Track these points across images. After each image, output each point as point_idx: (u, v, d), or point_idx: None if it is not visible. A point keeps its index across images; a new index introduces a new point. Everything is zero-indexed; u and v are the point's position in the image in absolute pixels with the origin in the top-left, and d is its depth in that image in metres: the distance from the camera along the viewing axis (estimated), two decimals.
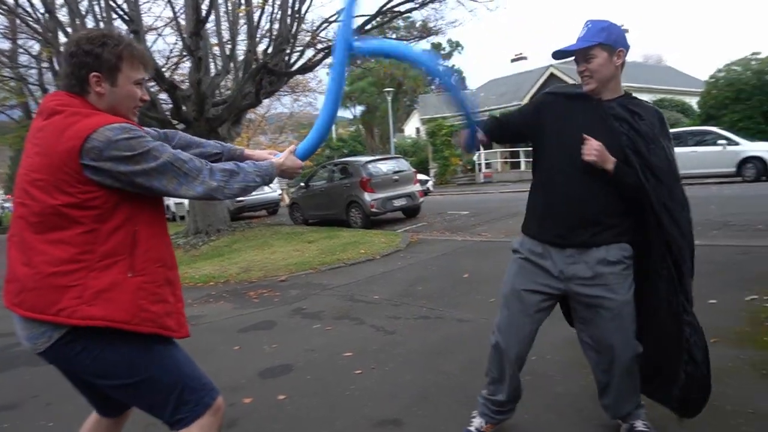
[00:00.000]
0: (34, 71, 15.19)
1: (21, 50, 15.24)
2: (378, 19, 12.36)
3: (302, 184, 13.64)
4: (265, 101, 16.71)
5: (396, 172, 11.62)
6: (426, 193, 15.68)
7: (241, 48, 12.59)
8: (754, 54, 17.64)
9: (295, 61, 12.30)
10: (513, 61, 30.74)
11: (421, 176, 15.10)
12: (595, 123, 1.96)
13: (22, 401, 3.29)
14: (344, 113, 29.52)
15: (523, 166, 21.87)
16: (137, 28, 9.74)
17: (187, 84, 11.87)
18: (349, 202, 11.31)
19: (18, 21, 12.15)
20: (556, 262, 2.03)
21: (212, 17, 10.90)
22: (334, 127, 27.96)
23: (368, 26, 12.29)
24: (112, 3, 9.75)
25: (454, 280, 5.50)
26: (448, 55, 51.49)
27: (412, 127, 39.33)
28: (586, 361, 2.23)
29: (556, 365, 3.04)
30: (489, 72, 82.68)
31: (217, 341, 4.19)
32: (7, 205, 34.95)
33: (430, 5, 12.79)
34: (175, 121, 11.09)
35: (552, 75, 23.68)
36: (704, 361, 1.95)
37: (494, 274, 5.31)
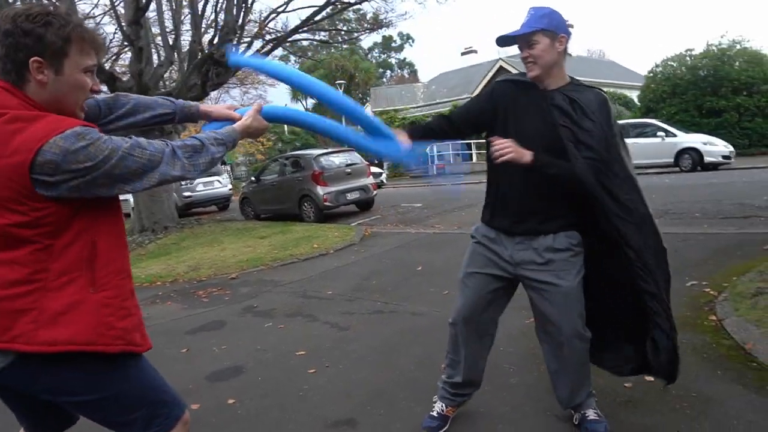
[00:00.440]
0: None
1: None
2: (328, 10, 12.18)
3: (253, 178, 13.33)
4: (213, 93, 16.21)
5: (349, 165, 11.52)
6: (379, 185, 15.66)
7: (186, 38, 12.16)
8: (688, 51, 18.57)
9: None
10: (463, 54, 31.15)
11: (374, 169, 15.06)
12: (537, 114, 1.99)
13: None
14: (296, 106, 29.07)
15: (474, 158, 22.20)
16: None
17: (129, 75, 11.36)
18: (301, 196, 11.14)
19: None
20: (506, 247, 2.10)
21: (153, 6, 10.45)
22: None
23: (318, 17, 12.10)
24: None
25: (408, 273, 5.49)
26: (399, 48, 51.63)
27: None
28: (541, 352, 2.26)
29: (511, 356, 3.06)
30: (440, 65, 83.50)
31: (163, 344, 4.01)
32: None
33: None
34: None
35: (501, 68, 24.10)
36: (670, 329, 2.00)
37: (447, 267, 5.34)
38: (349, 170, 11.41)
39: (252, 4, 11.55)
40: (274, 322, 4.35)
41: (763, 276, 3.75)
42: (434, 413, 2.36)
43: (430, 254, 6.29)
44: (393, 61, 52.41)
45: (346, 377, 3.07)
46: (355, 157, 12.07)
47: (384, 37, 47.66)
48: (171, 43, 11.35)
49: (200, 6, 10.72)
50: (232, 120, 1.66)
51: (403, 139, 2.04)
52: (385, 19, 14.13)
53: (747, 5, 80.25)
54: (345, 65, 37.93)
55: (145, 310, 5.21)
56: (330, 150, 12.02)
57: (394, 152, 2.05)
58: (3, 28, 1.25)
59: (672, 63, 18.77)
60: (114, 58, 14.35)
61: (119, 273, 1.39)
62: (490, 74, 24.60)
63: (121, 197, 1.44)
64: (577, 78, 2.13)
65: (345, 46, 30.57)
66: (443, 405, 2.36)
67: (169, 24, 11.39)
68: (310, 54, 22.50)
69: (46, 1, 8.19)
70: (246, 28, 12.01)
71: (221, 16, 10.78)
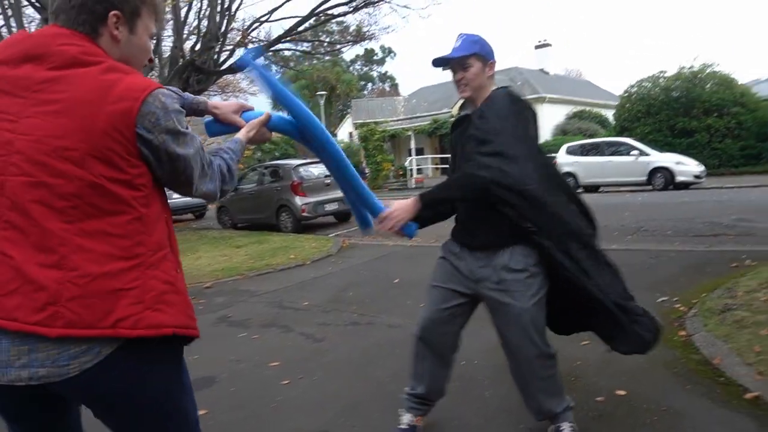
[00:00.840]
0: None
1: None
2: (311, 21, 12.23)
3: None
4: None
5: (328, 176, 11.49)
6: None
7: (167, 44, 12.06)
8: (661, 72, 19.11)
9: (225, 60, 11.94)
10: (444, 69, 31.45)
11: None
12: (458, 141, 2.18)
13: None
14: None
15: None
16: (48, 17, 9.08)
17: None
18: (279, 206, 11.08)
19: None
20: (468, 263, 2.14)
21: None
22: None
23: (301, 28, 12.14)
24: None
25: (385, 286, 5.48)
26: (381, 61, 52.02)
27: (345, 131, 39.27)
28: None
29: (485, 369, 3.07)
30: (420, 79, 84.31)
31: None
32: None
33: (364, 10, 12.84)
34: None
35: None
36: (631, 309, 2.02)
37: (424, 279, 5.30)
38: (328, 181, 11.38)
39: (235, 12, 11.54)
40: (248, 332, 4.29)
41: (731, 293, 3.84)
42: (403, 426, 2.35)
43: (407, 267, 6.29)
44: (374, 74, 52.76)
45: (320, 389, 3.04)
46: None
47: (366, 49, 48.00)
48: (152, 47, 11.22)
49: (183, 12, 10.65)
50: (238, 127, 1.57)
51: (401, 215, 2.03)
52: (368, 32, 14.26)
53: (716, 32, 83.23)
54: (327, 76, 38.03)
55: None
56: (309, 160, 12.00)
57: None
58: None
59: (646, 84, 19.29)
60: None
61: (178, 254, 1.29)
62: None
63: None
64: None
65: (327, 58, 30.67)
66: (411, 416, 2.36)
67: None
68: (292, 64, 22.51)
69: None
70: (229, 35, 12.00)
71: (204, 23, 10.72)
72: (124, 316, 1.09)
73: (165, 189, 1.26)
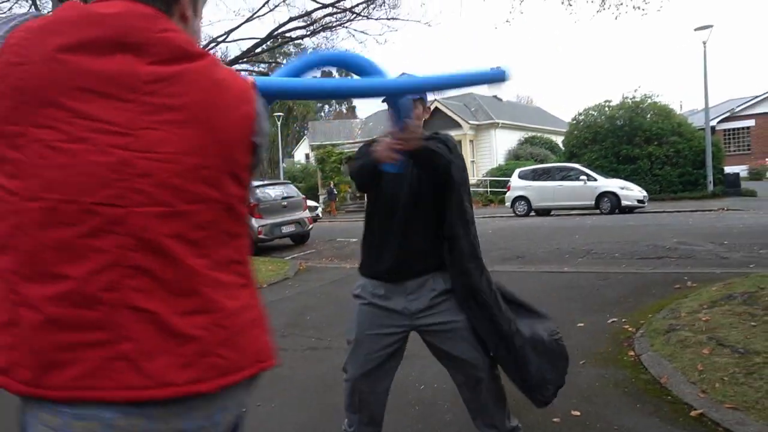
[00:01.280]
0: None
1: None
2: (269, 42, 12.24)
3: None
4: None
5: (285, 198, 11.41)
6: (315, 219, 15.57)
7: None
8: (606, 101, 20.12)
9: None
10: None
11: (310, 203, 14.98)
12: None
13: None
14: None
15: None
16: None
17: None
18: None
19: None
20: (399, 300, 2.09)
21: None
22: None
23: (258, 49, 12.12)
24: None
25: (343, 309, 5.42)
26: None
27: (302, 152, 39.17)
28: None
29: (446, 393, 3.08)
30: (378, 102, 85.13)
31: None
32: None
33: (321, 34, 12.95)
34: None
35: (437, 108, 24.96)
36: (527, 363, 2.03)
37: None
38: (285, 203, 11.30)
39: None
40: None
41: (674, 313, 4.03)
42: None
43: None
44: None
45: (278, 417, 2.97)
46: (291, 190, 11.99)
47: (323, 71, 48.29)
48: None
49: None
50: None
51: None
52: None
53: (656, 65, 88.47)
54: None
55: None
56: (266, 182, 11.89)
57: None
58: None
59: (593, 112, 20.25)
60: None
61: None
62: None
63: None
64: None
65: None
66: None
67: None
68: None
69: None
70: None
71: None
72: (264, 348, 0.98)
73: None
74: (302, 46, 15.48)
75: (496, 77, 1.62)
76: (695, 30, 17.20)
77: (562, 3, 9.53)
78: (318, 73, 1.53)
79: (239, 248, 0.96)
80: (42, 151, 0.79)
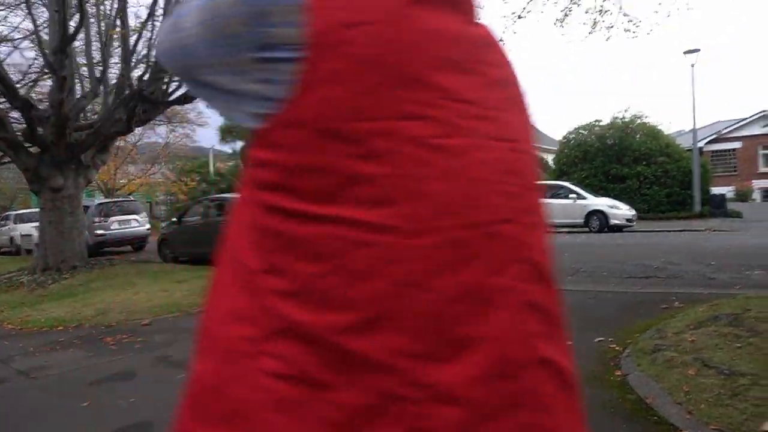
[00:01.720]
0: None
1: None
2: None
3: (175, 219, 12.83)
4: (138, 129, 15.67)
5: None
6: None
7: (114, 71, 11.78)
8: (597, 121, 20.39)
9: (174, 91, 11.73)
10: None
11: None
12: None
13: None
14: (223, 148, 28.54)
15: None
16: None
17: (46, 103, 10.77)
18: None
19: None
20: None
21: (81, 35, 10.10)
22: (212, 161, 26.87)
23: None
24: None
25: None
26: None
27: None
28: None
29: None
30: None
31: (62, 397, 3.68)
32: None
33: None
34: (28, 144, 9.96)
35: None
36: None
37: None
38: None
39: None
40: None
41: (661, 333, 4.07)
42: None
43: None
44: None
45: None
46: None
47: None
48: (98, 75, 10.93)
49: (132, 41, 10.48)
50: None
51: None
52: None
53: (645, 86, 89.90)
54: None
55: (43, 357, 4.80)
56: None
57: None
58: None
59: (583, 131, 20.49)
60: (32, 84, 13.61)
61: None
62: None
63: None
64: None
65: None
66: None
67: (96, 55, 11.00)
68: None
69: None
70: None
71: (153, 52, 10.58)
72: None
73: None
74: None
75: None
76: (684, 53, 17.56)
77: (555, 24, 9.69)
78: None
79: None
80: (420, 155, 0.54)
